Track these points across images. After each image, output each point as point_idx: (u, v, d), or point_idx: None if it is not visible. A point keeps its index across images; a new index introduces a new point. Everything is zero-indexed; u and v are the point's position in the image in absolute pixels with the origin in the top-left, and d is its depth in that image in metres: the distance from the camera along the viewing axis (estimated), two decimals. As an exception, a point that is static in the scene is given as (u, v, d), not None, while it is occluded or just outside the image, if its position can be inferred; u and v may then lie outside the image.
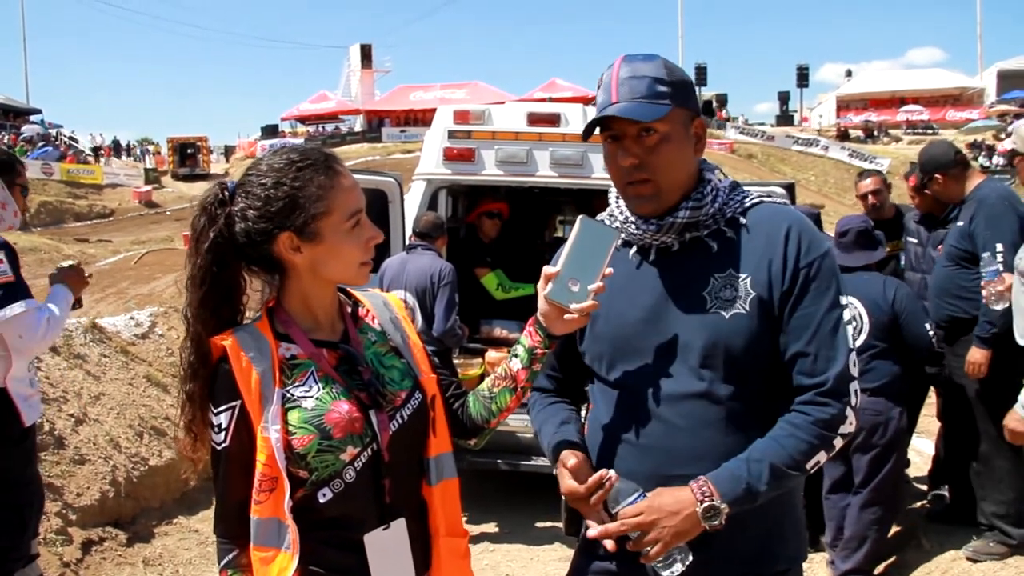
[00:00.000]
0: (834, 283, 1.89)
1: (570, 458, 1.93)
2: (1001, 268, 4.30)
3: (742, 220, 1.94)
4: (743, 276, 1.88)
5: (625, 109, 1.86)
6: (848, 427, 1.86)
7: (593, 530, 1.86)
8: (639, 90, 1.87)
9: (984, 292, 4.35)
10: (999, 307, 4.26)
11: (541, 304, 1.90)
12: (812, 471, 1.87)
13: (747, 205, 1.96)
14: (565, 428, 2.09)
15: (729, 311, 1.87)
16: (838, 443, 1.86)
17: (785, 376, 1.90)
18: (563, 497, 2.03)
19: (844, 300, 1.90)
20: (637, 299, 1.96)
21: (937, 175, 4.81)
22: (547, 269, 1.88)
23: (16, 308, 3.42)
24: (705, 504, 1.76)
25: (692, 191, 1.94)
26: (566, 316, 1.87)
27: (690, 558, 1.81)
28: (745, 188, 2.02)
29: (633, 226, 1.98)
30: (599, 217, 2.11)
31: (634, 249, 2.01)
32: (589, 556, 2.08)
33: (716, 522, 1.77)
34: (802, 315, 1.86)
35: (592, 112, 6.15)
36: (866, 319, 4.47)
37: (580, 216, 1.93)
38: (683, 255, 1.95)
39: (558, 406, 2.18)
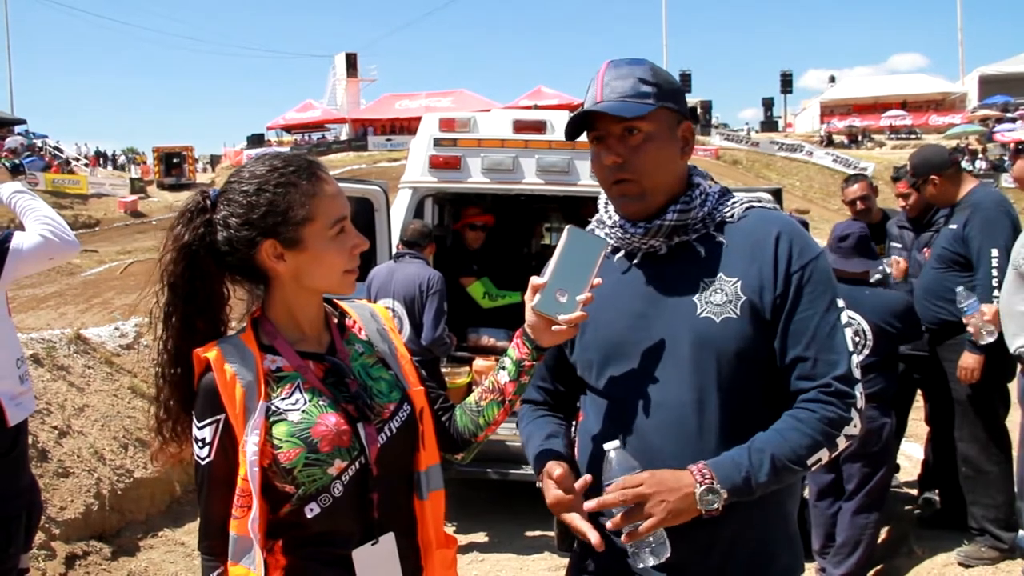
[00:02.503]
0: (829, 286, 1.87)
1: (555, 468, 1.90)
2: (978, 302, 4.34)
3: (731, 225, 1.92)
4: (733, 280, 1.86)
5: (608, 107, 1.85)
6: (853, 429, 1.83)
7: (591, 502, 1.79)
8: (622, 89, 1.86)
9: (970, 329, 4.38)
10: (990, 340, 4.29)
11: (529, 316, 1.88)
12: (812, 469, 1.83)
13: (737, 210, 1.94)
14: (551, 441, 2.05)
15: (720, 315, 1.84)
16: (841, 443, 1.82)
17: (777, 383, 1.88)
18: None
19: (841, 303, 1.88)
20: (625, 305, 1.94)
21: (933, 177, 4.81)
22: (534, 280, 1.86)
23: (20, 240, 3.39)
24: (704, 486, 1.72)
25: (680, 195, 1.93)
26: (554, 328, 1.84)
27: (667, 553, 1.75)
28: (735, 194, 2.01)
29: (621, 230, 1.96)
30: (589, 225, 2.09)
31: (621, 254, 1.99)
32: (581, 572, 2.05)
33: (714, 507, 1.73)
34: (799, 320, 1.84)
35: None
36: (870, 335, 4.44)
37: (568, 226, 1.90)
38: (671, 259, 1.93)
39: (546, 419, 2.15)
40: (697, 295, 1.87)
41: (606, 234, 2.00)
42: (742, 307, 1.84)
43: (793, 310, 1.84)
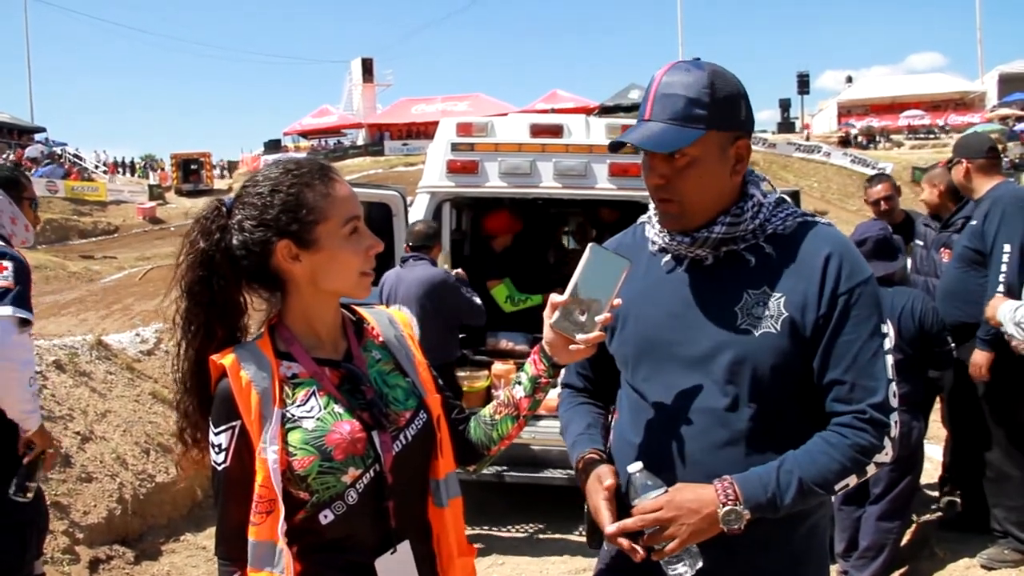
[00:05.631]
0: (876, 311, 1.85)
1: (607, 477, 1.89)
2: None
3: (783, 237, 1.90)
4: (777, 295, 1.84)
5: (649, 139, 1.83)
6: (884, 457, 1.81)
7: (610, 527, 1.80)
8: (672, 110, 1.83)
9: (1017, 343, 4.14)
10: None
11: (547, 333, 1.86)
12: (838, 493, 1.83)
13: (790, 223, 1.92)
14: (592, 432, 2.06)
15: (759, 329, 1.83)
16: (871, 470, 1.81)
17: (811, 400, 1.87)
18: (585, 508, 2.01)
19: (886, 329, 1.86)
20: (665, 305, 1.93)
21: (963, 160, 4.74)
22: (554, 297, 1.84)
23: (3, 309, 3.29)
24: (727, 508, 1.73)
25: (731, 206, 1.90)
26: (572, 347, 1.83)
27: (700, 564, 1.77)
28: (791, 205, 1.97)
29: (668, 236, 1.95)
30: (640, 219, 2.10)
31: (668, 256, 1.98)
32: (611, 570, 2.06)
33: (736, 527, 1.73)
34: (841, 343, 1.82)
35: (595, 122, 6.15)
36: (891, 332, 4.39)
37: (590, 244, 1.89)
38: (718, 268, 1.92)
39: (586, 407, 2.16)
40: (739, 306, 1.86)
41: (656, 234, 2.00)
42: (783, 323, 1.83)
43: (836, 332, 1.82)
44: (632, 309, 1.92)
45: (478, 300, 5.96)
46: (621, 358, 2.04)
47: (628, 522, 1.78)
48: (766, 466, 1.78)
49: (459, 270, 6.19)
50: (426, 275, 5.73)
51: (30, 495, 3.54)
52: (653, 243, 2.01)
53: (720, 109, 1.83)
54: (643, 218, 2.09)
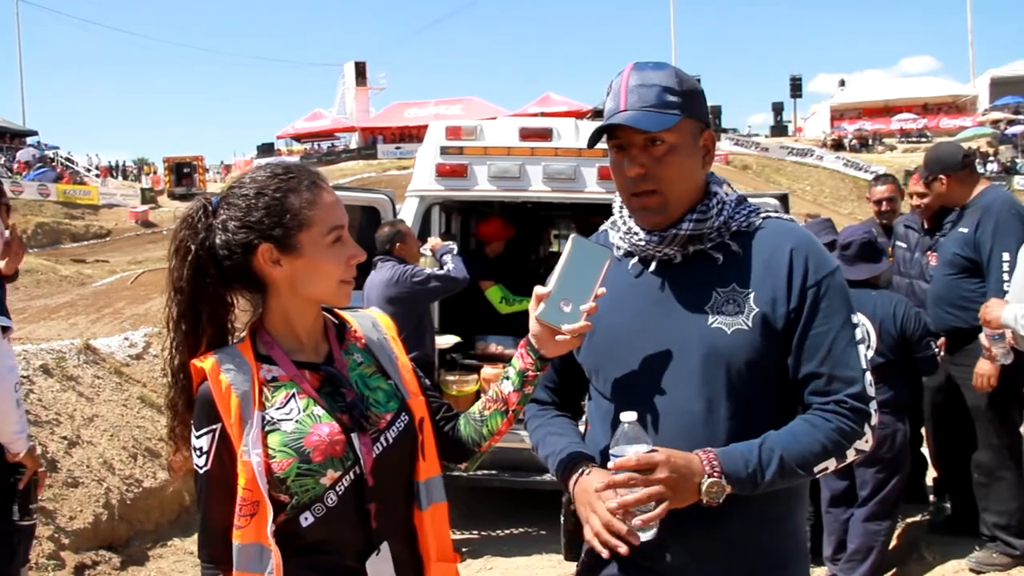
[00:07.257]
0: (845, 302, 1.86)
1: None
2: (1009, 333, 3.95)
3: (747, 235, 1.90)
4: (747, 292, 1.84)
5: (632, 118, 1.82)
6: (864, 444, 1.82)
7: (612, 461, 1.71)
8: (648, 99, 1.83)
9: (996, 350, 4.14)
10: (1007, 361, 4.15)
11: (533, 325, 1.86)
12: (817, 475, 1.82)
13: (753, 220, 1.92)
14: (580, 446, 1.99)
15: (731, 326, 1.83)
16: (850, 455, 1.82)
17: (785, 395, 1.87)
18: (562, 521, 1.99)
19: (855, 319, 1.87)
20: (635, 310, 1.92)
21: (942, 176, 4.74)
22: (538, 289, 1.84)
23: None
24: (712, 479, 1.71)
25: (698, 203, 1.90)
26: (558, 337, 1.83)
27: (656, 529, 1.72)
28: (752, 203, 1.98)
29: (635, 237, 1.94)
30: (602, 227, 2.09)
31: (635, 259, 1.97)
32: None
33: (717, 500, 1.72)
34: (814, 335, 1.82)
35: (585, 126, 6.13)
36: (874, 336, 4.41)
37: (572, 235, 1.89)
38: (685, 267, 1.91)
39: (562, 419, 2.11)
40: (709, 305, 1.86)
41: (620, 238, 1.99)
42: (754, 319, 1.83)
43: (808, 325, 1.83)
44: (601, 317, 1.88)
45: (451, 265, 5.86)
46: (592, 366, 2.01)
47: (619, 477, 1.69)
48: (747, 443, 1.77)
49: (432, 240, 6.17)
50: (388, 275, 5.73)
51: (36, 516, 3.63)
52: (618, 248, 1.99)
53: (689, 98, 1.86)
54: (606, 225, 2.08)
